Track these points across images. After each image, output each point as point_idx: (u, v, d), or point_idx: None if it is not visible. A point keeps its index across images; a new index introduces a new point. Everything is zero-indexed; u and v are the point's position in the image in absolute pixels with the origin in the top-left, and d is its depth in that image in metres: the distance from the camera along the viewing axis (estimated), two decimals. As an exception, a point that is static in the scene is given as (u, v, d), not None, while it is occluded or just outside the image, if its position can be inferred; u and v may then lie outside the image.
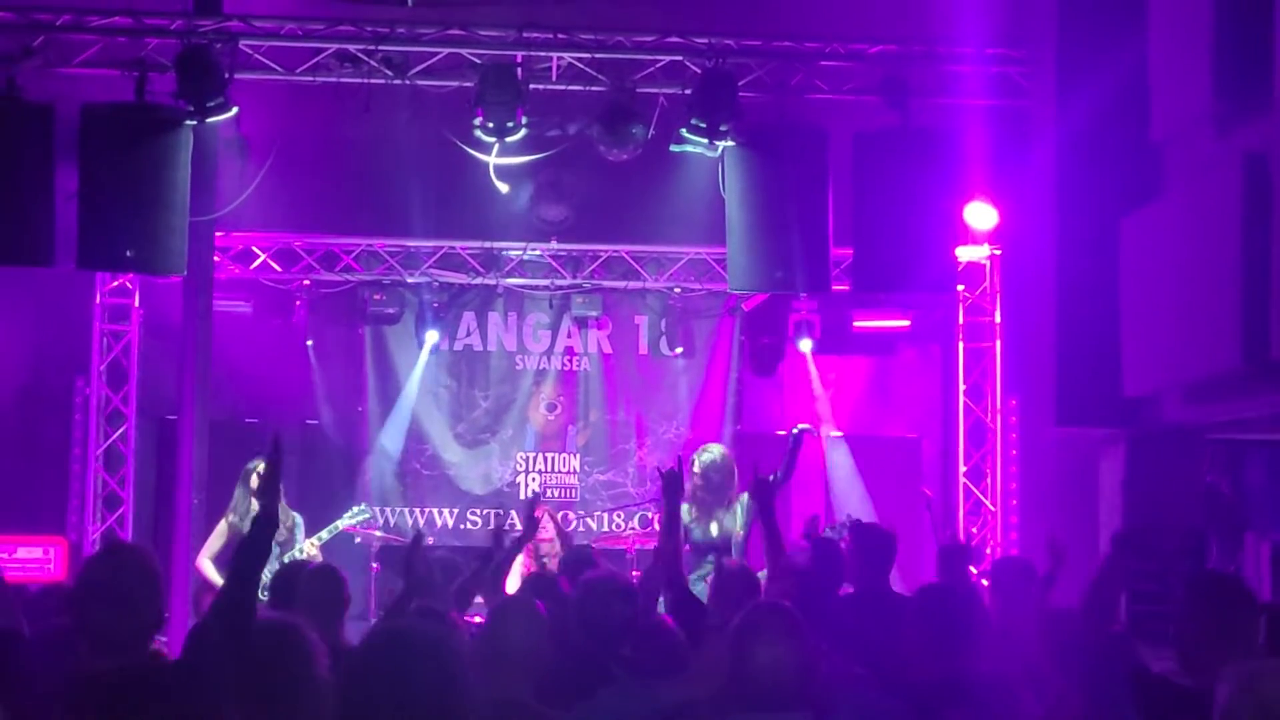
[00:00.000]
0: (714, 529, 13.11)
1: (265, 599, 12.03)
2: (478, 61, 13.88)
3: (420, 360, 17.35)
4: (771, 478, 12.76)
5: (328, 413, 17.50)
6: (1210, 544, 13.42)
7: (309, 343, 17.32)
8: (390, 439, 17.33)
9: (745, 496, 13.12)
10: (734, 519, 13.14)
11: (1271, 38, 9.61)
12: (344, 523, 14.11)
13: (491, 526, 14.71)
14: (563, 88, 14.15)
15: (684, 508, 13.15)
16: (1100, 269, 12.14)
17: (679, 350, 17.58)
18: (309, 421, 17.43)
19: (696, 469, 13.26)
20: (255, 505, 13.26)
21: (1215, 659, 5.91)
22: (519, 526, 16.12)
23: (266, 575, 12.67)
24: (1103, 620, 7.33)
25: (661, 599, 8.99)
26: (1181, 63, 10.83)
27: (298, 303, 17.24)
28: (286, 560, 12.58)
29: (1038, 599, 9.12)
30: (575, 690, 6.89)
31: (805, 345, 17.41)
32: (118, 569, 5.96)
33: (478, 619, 10.30)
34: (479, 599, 9.99)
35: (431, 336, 17.17)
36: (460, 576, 9.79)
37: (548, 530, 14.10)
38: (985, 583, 12.90)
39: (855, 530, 9.99)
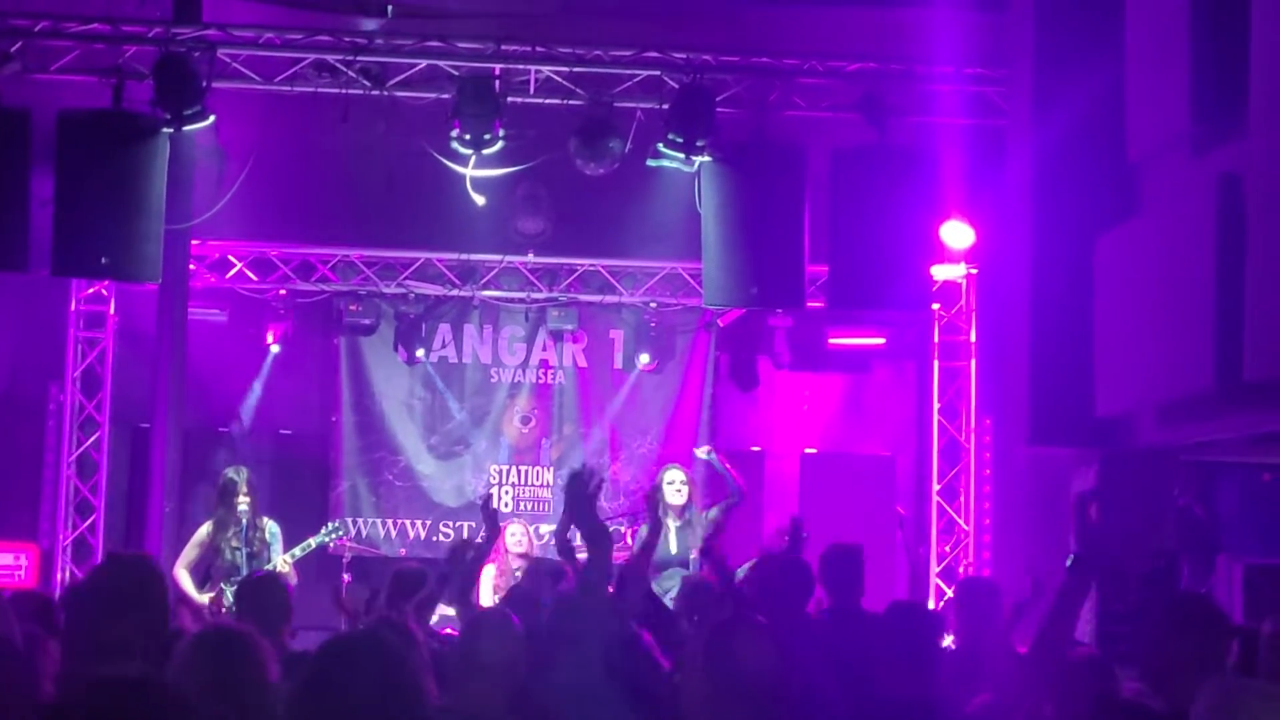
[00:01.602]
0: (674, 545, 13.21)
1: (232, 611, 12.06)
2: (456, 73, 13.89)
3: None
4: (729, 500, 13.48)
5: (301, 423, 17.47)
6: (1182, 565, 13.43)
7: (273, 347, 17.14)
8: None
9: (711, 512, 13.55)
10: (694, 535, 13.25)
11: (1248, 59, 9.62)
12: (318, 540, 14.04)
13: (452, 540, 14.60)
14: (540, 101, 14.16)
15: (644, 528, 13.55)
16: (1075, 288, 12.11)
17: (654, 364, 17.54)
18: (282, 431, 17.38)
19: (660, 488, 13.47)
20: (231, 515, 13.29)
21: (1187, 681, 5.88)
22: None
23: (234, 588, 12.71)
24: (1057, 646, 7.30)
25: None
26: (1158, 83, 10.83)
27: (268, 312, 17.13)
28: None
29: (1003, 630, 9.12)
30: (550, 704, 6.86)
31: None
32: (129, 574, 5.94)
33: (448, 631, 10.30)
34: (450, 612, 9.97)
35: (420, 354, 17.20)
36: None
37: (521, 545, 14.12)
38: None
39: (826, 549, 9.97)
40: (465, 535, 16.90)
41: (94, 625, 5.82)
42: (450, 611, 11.53)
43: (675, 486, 13.50)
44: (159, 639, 5.93)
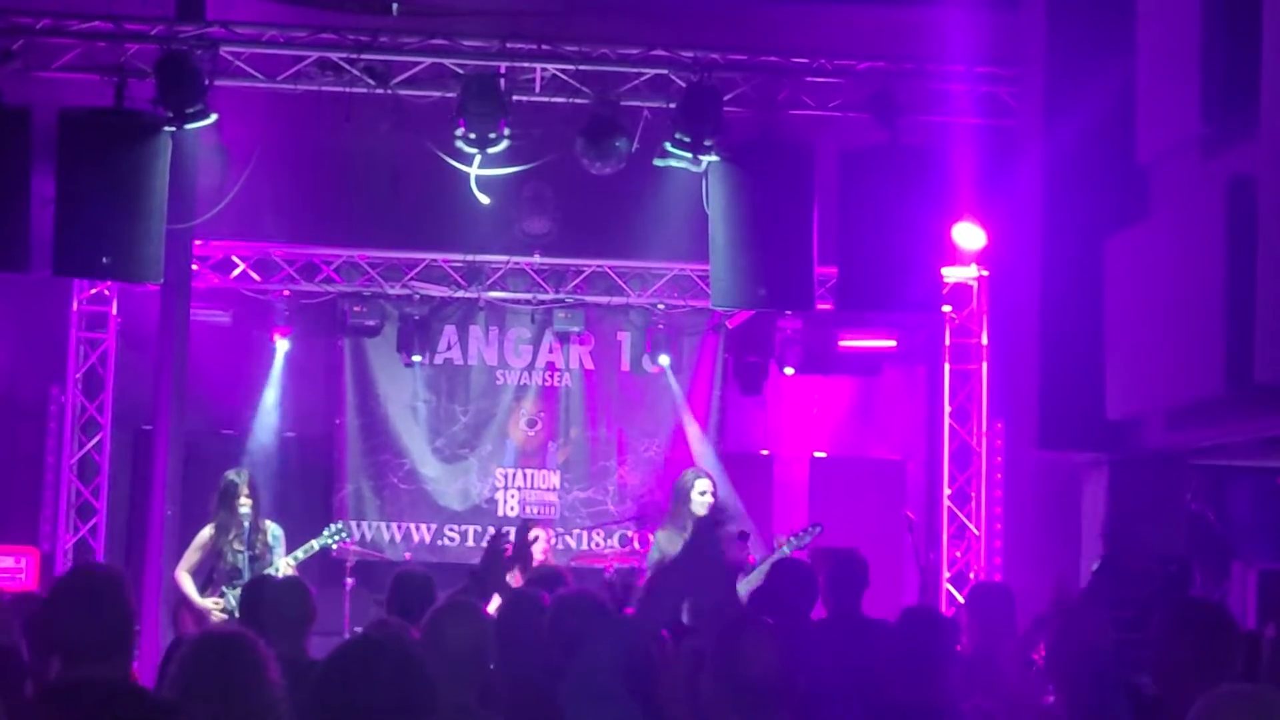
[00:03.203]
0: None
1: (235, 614, 11.98)
2: (460, 72, 13.79)
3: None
4: (812, 531, 13.59)
5: (305, 425, 17.36)
6: (1194, 571, 13.32)
7: (282, 342, 17.00)
8: None
9: (786, 546, 13.44)
10: None
11: (1258, 61, 9.55)
12: (320, 542, 13.93)
13: (485, 544, 14.42)
14: (546, 100, 14.06)
15: (662, 534, 13.45)
16: (1085, 291, 12.05)
17: (662, 367, 17.40)
18: (285, 434, 17.26)
19: (688, 497, 13.51)
20: (233, 517, 13.21)
21: (1194, 687, 5.80)
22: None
23: (236, 592, 12.64)
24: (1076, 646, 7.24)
25: None
26: (1169, 85, 10.77)
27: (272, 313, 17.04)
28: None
29: (1018, 637, 9.04)
30: (543, 704, 6.78)
31: (789, 370, 17.35)
32: (93, 582, 5.90)
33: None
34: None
35: (416, 359, 17.12)
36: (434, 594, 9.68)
37: (539, 550, 14.07)
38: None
39: (829, 555, 9.91)
40: (470, 540, 16.89)
41: (60, 630, 5.77)
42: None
43: (707, 497, 13.44)
44: (125, 641, 5.86)
